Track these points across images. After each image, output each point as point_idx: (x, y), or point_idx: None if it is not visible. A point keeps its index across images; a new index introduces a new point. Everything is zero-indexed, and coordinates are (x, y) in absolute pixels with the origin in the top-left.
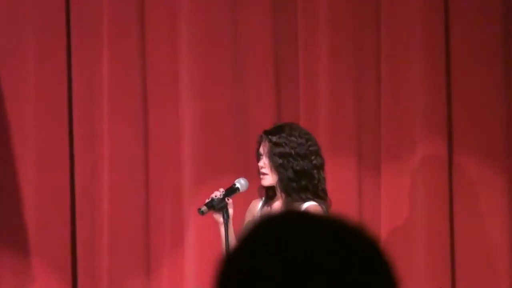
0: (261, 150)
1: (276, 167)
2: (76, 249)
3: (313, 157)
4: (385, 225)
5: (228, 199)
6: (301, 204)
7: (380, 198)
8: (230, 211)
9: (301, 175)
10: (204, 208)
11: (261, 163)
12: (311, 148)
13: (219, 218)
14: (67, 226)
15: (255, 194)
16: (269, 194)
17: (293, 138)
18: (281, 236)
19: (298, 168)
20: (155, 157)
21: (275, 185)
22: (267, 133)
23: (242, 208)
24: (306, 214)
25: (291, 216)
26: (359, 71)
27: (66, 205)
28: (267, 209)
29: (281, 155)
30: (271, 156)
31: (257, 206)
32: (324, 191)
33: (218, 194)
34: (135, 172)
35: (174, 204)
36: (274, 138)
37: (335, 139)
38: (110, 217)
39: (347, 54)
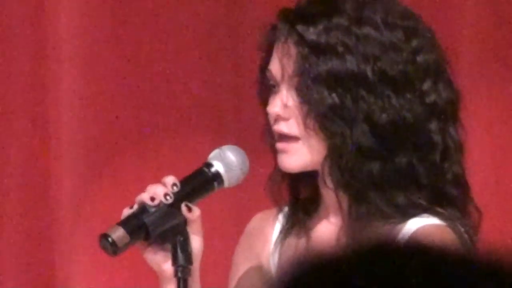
0: (273, 68)
1: (322, 119)
2: None
3: (427, 85)
4: None
5: (189, 209)
6: (398, 225)
7: None
8: (196, 243)
9: (393, 141)
10: (118, 234)
11: (274, 108)
12: (421, 59)
13: (162, 263)
14: None
15: (261, 198)
16: (298, 196)
17: (367, 30)
18: None
19: (384, 119)
20: None
21: (319, 170)
22: (291, 14)
23: (228, 235)
24: (431, 259)
25: (388, 267)
26: None
27: None
28: (295, 241)
29: (335, 80)
30: (306, 85)
31: (268, 230)
32: (461, 184)
33: (160, 193)
34: None
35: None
36: (311, 32)
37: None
38: None
39: None
